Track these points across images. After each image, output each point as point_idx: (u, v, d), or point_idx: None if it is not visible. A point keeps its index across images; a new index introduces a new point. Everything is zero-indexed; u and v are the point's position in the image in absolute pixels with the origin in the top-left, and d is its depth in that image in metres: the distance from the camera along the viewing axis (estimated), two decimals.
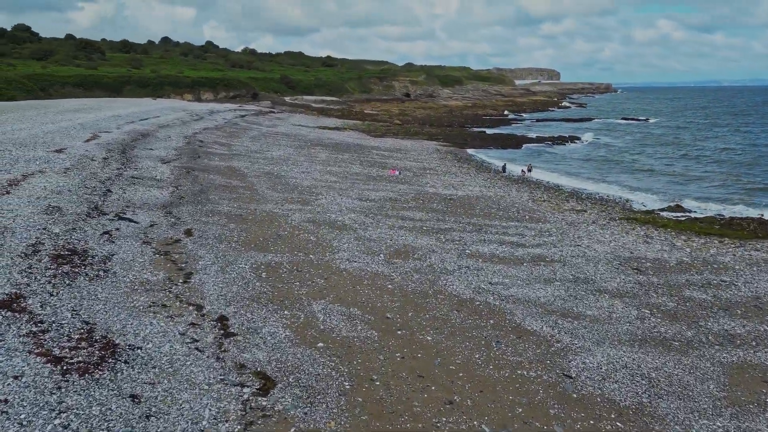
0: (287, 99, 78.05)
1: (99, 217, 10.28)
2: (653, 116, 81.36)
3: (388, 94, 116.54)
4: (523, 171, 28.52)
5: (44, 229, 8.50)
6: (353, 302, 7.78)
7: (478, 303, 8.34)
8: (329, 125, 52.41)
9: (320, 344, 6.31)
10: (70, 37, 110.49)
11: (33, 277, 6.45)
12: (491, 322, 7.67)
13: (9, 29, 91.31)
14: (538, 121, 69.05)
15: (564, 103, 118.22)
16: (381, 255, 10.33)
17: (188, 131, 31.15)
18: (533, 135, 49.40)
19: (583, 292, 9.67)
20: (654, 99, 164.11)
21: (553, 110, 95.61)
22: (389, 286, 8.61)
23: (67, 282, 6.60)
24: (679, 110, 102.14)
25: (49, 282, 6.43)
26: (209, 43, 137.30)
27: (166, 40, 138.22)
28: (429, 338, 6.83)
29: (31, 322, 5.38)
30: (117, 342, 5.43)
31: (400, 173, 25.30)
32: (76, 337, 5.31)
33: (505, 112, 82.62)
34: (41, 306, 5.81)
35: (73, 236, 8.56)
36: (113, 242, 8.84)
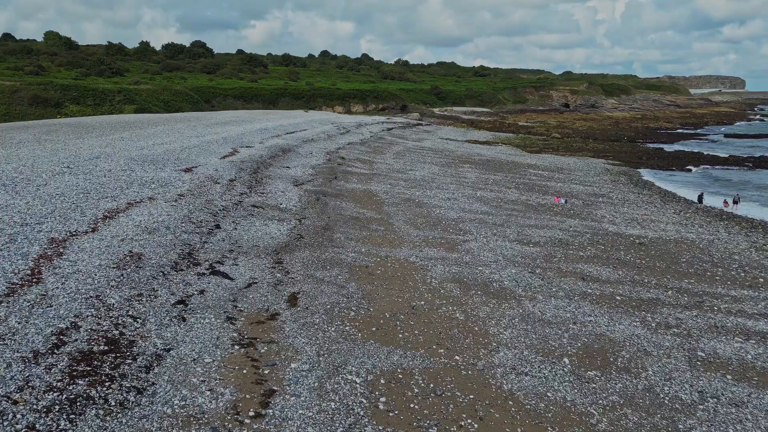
0: (436, 110, 75.84)
1: (186, 270, 7.93)
2: None
3: (545, 104, 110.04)
4: (725, 203, 22.64)
5: (96, 297, 6.21)
6: None
7: None
8: (479, 139, 48.85)
9: None
10: (240, 52, 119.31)
11: (11, 414, 4.01)
12: None
13: (188, 45, 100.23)
14: (726, 136, 59.10)
15: (753, 116, 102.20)
16: (564, 359, 6.73)
17: (332, 146, 29.60)
18: (724, 154, 41.47)
19: None
20: None
21: (740, 124, 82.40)
22: None
23: (62, 425, 4.06)
24: None
25: (31, 428, 3.93)
26: (364, 56, 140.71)
27: (324, 53, 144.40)
28: None
29: None
30: None
31: (566, 202, 21.04)
32: None
33: (677, 127, 72.55)
34: None
35: (131, 310, 6.17)
36: (184, 320, 6.33)
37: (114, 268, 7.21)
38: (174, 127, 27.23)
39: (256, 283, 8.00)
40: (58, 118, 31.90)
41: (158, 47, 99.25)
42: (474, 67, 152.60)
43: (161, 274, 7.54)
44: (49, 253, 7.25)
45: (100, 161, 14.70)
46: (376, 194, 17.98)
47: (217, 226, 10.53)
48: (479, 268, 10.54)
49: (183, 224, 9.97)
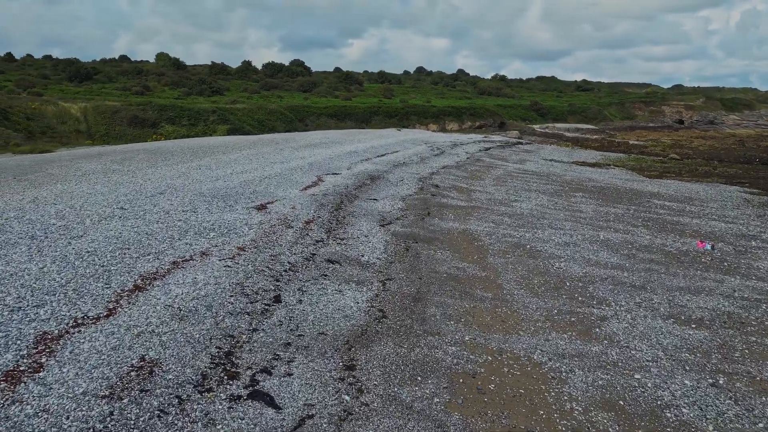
0: (536, 128, 71.50)
1: (217, 390, 5.50)
2: None
3: (656, 120, 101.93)
4: None
5: None
6: None
7: None
8: (587, 160, 44.37)
9: None
10: (337, 69, 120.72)
11: None
12: None
13: (287, 64, 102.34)
14: None
15: None
16: None
17: (424, 171, 27.00)
18: None
19: None
20: None
21: None
22: None
23: None
24: None
25: None
26: (460, 71, 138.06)
27: (420, 69, 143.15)
28: None
29: None
30: None
31: (712, 247, 16.88)
32: None
33: None
34: None
35: None
36: None
37: (104, 398, 4.88)
38: (260, 151, 25.79)
39: (311, 417, 5.39)
40: (150, 140, 31.74)
41: (260, 66, 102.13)
42: (576, 81, 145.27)
43: (176, 401, 5.13)
44: (22, 368, 5.06)
45: (163, 198, 12.93)
46: (478, 237, 15.04)
47: (277, 299, 8.11)
48: (636, 377, 7.35)
49: (231, 299, 7.63)
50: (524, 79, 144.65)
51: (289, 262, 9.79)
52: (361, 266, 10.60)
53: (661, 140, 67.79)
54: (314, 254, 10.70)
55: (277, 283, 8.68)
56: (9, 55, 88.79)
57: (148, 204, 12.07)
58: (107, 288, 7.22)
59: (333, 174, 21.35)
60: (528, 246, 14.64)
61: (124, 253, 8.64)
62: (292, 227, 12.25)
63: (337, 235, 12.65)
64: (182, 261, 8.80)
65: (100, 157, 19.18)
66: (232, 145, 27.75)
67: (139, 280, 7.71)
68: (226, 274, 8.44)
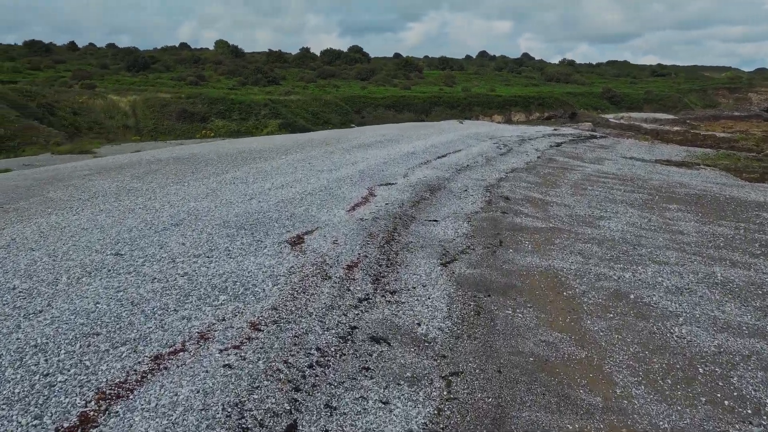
0: (610, 117, 66.15)
1: None
2: None
3: (741, 108, 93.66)
4: None
5: None
6: None
7: None
8: (672, 158, 39.70)
9: None
10: (396, 55, 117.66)
11: None
12: None
13: (345, 50, 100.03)
14: None
15: None
16: None
17: (491, 176, 23.86)
18: None
19: None
20: None
21: None
22: None
23: None
24: None
25: None
26: (525, 56, 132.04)
27: (482, 54, 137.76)
28: None
29: None
30: None
31: None
32: None
33: None
34: None
35: None
36: None
37: None
38: (307, 156, 23.36)
39: None
40: (199, 136, 30.09)
41: (318, 53, 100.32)
42: (650, 65, 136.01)
43: None
44: None
45: (176, 234, 10.57)
46: (565, 281, 11.95)
47: (293, 429, 5.48)
48: None
49: None
50: (594, 63, 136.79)
51: (318, 348, 7.15)
52: (416, 346, 7.85)
53: (751, 132, 61.31)
54: (355, 327, 8.03)
55: (296, 396, 6.05)
56: (72, 44, 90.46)
57: (153, 245, 9.72)
58: (35, 427, 4.80)
59: (387, 185, 18.67)
60: (631, 296, 11.42)
61: (89, 344, 6.24)
62: (330, 277, 9.62)
63: (387, 286, 9.93)
64: (168, 354, 6.33)
65: (121, 170, 17.14)
66: (277, 147, 25.47)
67: (92, 404, 5.26)
68: (222, 385, 5.88)
